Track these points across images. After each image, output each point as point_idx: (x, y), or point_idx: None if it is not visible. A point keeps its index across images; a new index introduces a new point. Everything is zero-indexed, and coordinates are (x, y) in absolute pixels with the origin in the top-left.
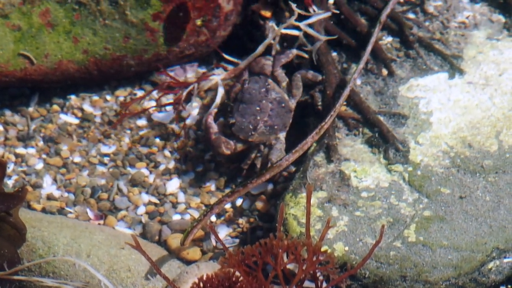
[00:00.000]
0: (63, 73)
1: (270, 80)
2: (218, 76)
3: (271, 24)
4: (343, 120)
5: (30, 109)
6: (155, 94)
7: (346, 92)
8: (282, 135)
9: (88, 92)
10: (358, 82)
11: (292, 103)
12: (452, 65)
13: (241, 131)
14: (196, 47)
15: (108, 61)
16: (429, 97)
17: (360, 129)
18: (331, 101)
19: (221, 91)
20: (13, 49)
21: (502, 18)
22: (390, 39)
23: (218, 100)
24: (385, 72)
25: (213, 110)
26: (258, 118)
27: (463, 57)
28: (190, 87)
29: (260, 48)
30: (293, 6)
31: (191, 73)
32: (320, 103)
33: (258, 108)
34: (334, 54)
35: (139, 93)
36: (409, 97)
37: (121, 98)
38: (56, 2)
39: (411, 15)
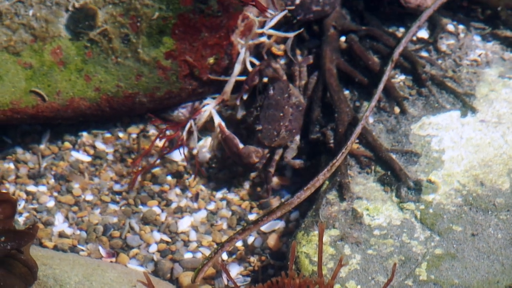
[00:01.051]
0: (74, 110)
1: (291, 85)
2: (210, 106)
3: (238, 40)
4: (355, 158)
5: (42, 146)
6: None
7: (358, 130)
8: (297, 137)
9: (100, 129)
10: (371, 120)
11: (305, 99)
12: (465, 103)
13: (266, 137)
14: (208, 85)
15: (120, 99)
16: (442, 135)
17: (373, 167)
18: (343, 139)
19: (217, 120)
20: (24, 87)
21: None
22: (402, 77)
23: (216, 124)
24: (397, 110)
25: (222, 123)
26: (281, 124)
27: (475, 95)
28: (188, 126)
29: (237, 66)
30: (251, 15)
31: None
32: (332, 141)
33: (281, 114)
34: (347, 92)
35: (152, 130)
36: (421, 135)
37: (134, 135)
38: (68, 40)
39: (424, 53)
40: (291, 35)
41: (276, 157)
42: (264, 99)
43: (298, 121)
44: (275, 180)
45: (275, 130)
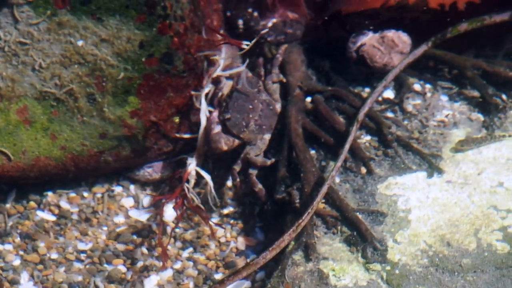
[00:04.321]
0: (40, 170)
1: (261, 83)
2: (193, 165)
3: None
4: (322, 218)
5: (7, 205)
6: (132, 190)
7: (324, 190)
8: (267, 136)
9: (65, 189)
10: (337, 180)
11: (278, 107)
12: (431, 164)
13: (235, 126)
14: (174, 143)
15: (86, 158)
16: (408, 195)
17: (339, 227)
18: (309, 199)
19: (207, 177)
20: None
21: (481, 117)
22: (368, 137)
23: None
24: (363, 170)
25: (217, 107)
26: (250, 116)
27: (442, 156)
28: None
29: (203, 118)
30: (216, 57)
31: (169, 169)
32: (298, 201)
33: (250, 107)
34: (313, 152)
35: (117, 190)
36: (388, 195)
37: (99, 195)
38: (34, 99)
39: (389, 114)
40: (241, 68)
41: (243, 155)
42: (233, 91)
43: (269, 120)
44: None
45: (243, 120)
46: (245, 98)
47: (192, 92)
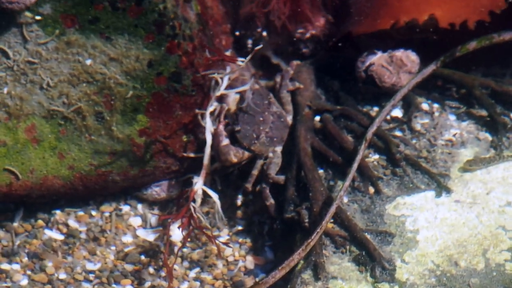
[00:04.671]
0: (48, 189)
1: (271, 94)
2: (199, 183)
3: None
4: (330, 237)
5: (15, 224)
6: (140, 209)
7: (332, 210)
8: (279, 149)
9: (73, 207)
10: (345, 199)
11: (290, 119)
12: (439, 183)
13: (245, 138)
14: (182, 162)
15: (94, 177)
16: (416, 215)
17: (347, 247)
18: (318, 218)
19: (214, 196)
20: None
21: (488, 136)
22: (376, 156)
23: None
24: (372, 190)
25: (223, 120)
26: (261, 128)
27: (450, 176)
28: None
29: (208, 137)
30: (215, 75)
31: (177, 188)
32: (306, 220)
33: (261, 119)
34: (321, 171)
35: (125, 209)
36: (396, 215)
37: (106, 214)
38: (42, 117)
39: (398, 133)
40: (246, 87)
41: (255, 171)
42: (242, 103)
43: (280, 132)
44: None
45: (254, 132)
46: (255, 110)
47: (197, 110)
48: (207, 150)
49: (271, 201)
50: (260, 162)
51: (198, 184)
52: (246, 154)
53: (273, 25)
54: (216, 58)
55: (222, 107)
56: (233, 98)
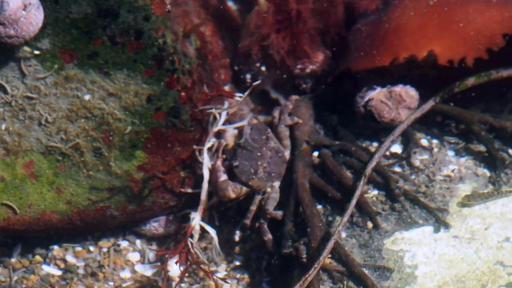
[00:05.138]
0: (46, 224)
1: (269, 129)
2: (197, 219)
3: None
4: (328, 272)
5: (13, 259)
6: (138, 245)
7: (330, 245)
8: (277, 184)
9: (71, 243)
10: (343, 235)
11: (287, 154)
12: (438, 219)
13: (243, 173)
14: (181, 198)
15: (92, 212)
16: (414, 250)
17: (345, 282)
18: (316, 254)
19: (212, 231)
20: None
21: (487, 172)
22: (375, 192)
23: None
24: (370, 225)
25: (221, 156)
26: (259, 163)
27: (448, 211)
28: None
29: (205, 172)
30: (213, 110)
31: (175, 223)
32: (304, 256)
33: (259, 154)
34: (319, 206)
35: (123, 244)
36: (394, 250)
37: (105, 249)
38: (40, 153)
39: (397, 169)
40: (244, 123)
41: (253, 207)
42: (240, 138)
43: (278, 167)
44: None
45: (252, 167)
46: (253, 145)
47: (195, 147)
48: (205, 185)
49: (269, 236)
50: (258, 198)
51: (196, 219)
52: (244, 189)
53: (272, 59)
54: (214, 94)
55: (220, 143)
56: (231, 133)
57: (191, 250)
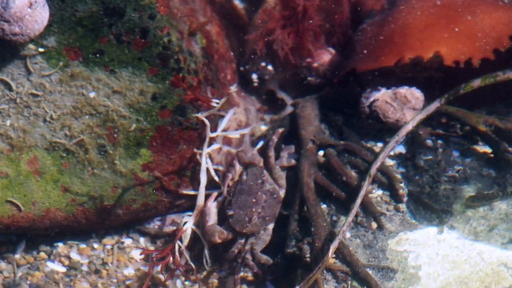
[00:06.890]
0: (50, 221)
1: (265, 172)
2: (189, 223)
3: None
4: (332, 272)
5: (17, 256)
6: (142, 243)
7: (335, 245)
8: (270, 226)
9: (75, 240)
10: (348, 235)
11: (282, 193)
12: (441, 220)
13: (237, 223)
14: (185, 197)
15: (96, 210)
16: (418, 251)
17: (349, 282)
18: (320, 254)
19: (186, 240)
20: (0, 196)
21: (492, 173)
22: (380, 192)
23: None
24: (374, 225)
25: (214, 193)
26: (253, 210)
27: (452, 212)
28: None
29: (203, 177)
30: (199, 115)
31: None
32: (308, 255)
33: (254, 200)
34: (324, 206)
35: (127, 242)
36: (398, 251)
37: (108, 247)
38: (44, 150)
39: (401, 169)
40: (245, 131)
41: (247, 247)
42: (237, 185)
43: (272, 209)
44: None
45: (246, 216)
46: (249, 191)
47: (195, 150)
48: (201, 190)
49: (256, 269)
50: (250, 241)
51: (188, 224)
52: (231, 235)
53: (277, 56)
54: (190, 97)
55: (226, 176)
56: (236, 167)
57: (176, 254)
